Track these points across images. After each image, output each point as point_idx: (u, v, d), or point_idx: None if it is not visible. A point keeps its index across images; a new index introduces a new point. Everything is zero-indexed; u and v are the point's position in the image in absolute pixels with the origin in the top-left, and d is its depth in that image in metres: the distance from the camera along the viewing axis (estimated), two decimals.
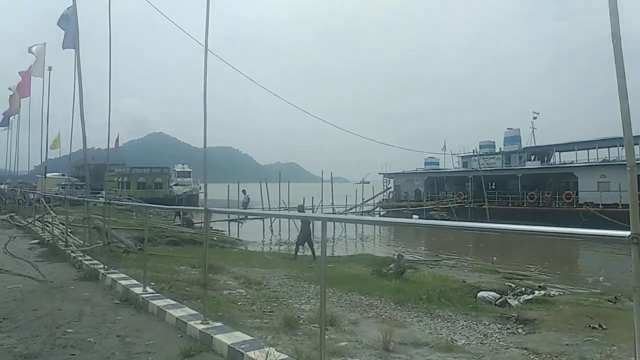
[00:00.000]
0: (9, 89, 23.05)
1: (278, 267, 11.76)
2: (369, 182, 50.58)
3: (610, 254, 19.28)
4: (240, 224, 29.47)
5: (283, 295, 7.56)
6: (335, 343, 4.70)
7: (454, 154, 48.43)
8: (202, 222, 22.72)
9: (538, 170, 39.41)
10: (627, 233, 1.91)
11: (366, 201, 42.83)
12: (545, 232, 2.26)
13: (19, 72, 19.90)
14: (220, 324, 4.95)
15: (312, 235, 16.10)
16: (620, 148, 34.14)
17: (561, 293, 10.65)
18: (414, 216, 38.20)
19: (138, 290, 6.56)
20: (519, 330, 6.23)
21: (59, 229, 13.18)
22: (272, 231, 29.95)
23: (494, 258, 17.39)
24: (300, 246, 15.97)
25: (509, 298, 9.24)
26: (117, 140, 40.00)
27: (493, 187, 41.26)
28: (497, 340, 5.54)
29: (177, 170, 60.26)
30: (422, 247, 22.80)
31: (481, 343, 5.39)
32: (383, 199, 47.95)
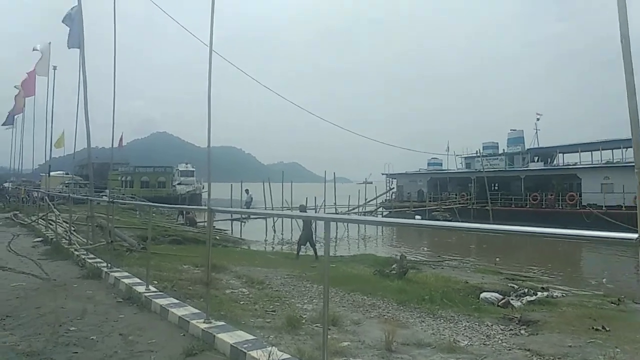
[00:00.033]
0: (15, 87, 23.15)
1: (280, 266, 11.77)
2: (371, 183, 50.54)
3: (613, 256, 19.23)
4: (243, 224, 29.50)
5: (285, 295, 7.57)
6: (338, 343, 4.69)
7: (457, 155, 48.40)
8: (205, 222, 22.76)
9: (541, 171, 39.30)
10: (635, 235, 1.90)
11: (369, 201, 42.81)
12: (552, 234, 2.26)
13: (27, 73, 19.95)
14: (223, 323, 4.95)
15: (313, 235, 16.10)
16: (624, 150, 34.04)
17: (564, 294, 10.61)
18: (417, 217, 38.15)
19: (141, 288, 6.57)
20: (522, 332, 6.21)
21: (62, 227, 13.24)
22: (274, 231, 29.96)
23: (497, 259, 17.36)
24: (302, 246, 15.97)
25: (512, 299, 9.21)
26: (120, 140, 40.06)
27: (496, 188, 41.15)
28: (499, 342, 5.52)
29: (180, 169, 60.40)
30: (425, 248, 22.77)
31: (484, 344, 5.37)
32: (386, 200, 47.93)
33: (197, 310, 5.45)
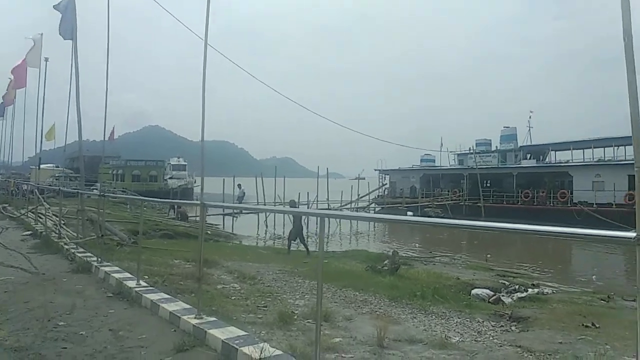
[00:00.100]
0: (9, 78, 22.85)
1: (272, 261, 11.74)
2: (364, 178, 50.61)
3: (602, 254, 19.41)
4: (235, 218, 29.45)
5: (277, 290, 7.54)
6: (330, 339, 4.68)
7: (450, 152, 48.56)
8: (197, 216, 22.68)
9: (533, 168, 39.56)
10: (633, 234, 1.89)
11: (361, 197, 42.88)
12: (549, 232, 2.24)
13: (18, 63, 19.67)
14: (214, 318, 4.92)
15: (303, 231, 16.07)
16: (615, 148, 34.32)
17: (554, 291, 10.70)
18: (409, 213, 38.25)
19: (131, 283, 6.52)
20: (513, 328, 6.25)
21: (52, 220, 13.11)
22: (266, 226, 29.93)
23: (488, 255, 17.44)
24: (292, 241, 15.95)
25: (503, 296, 9.28)
26: (112, 133, 39.74)
27: (488, 185, 41.38)
28: (491, 338, 5.54)
29: (172, 163, 60.15)
30: (417, 244, 22.84)
31: (475, 340, 5.39)
32: (378, 195, 48.03)
33: (188, 306, 5.41)
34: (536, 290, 10.19)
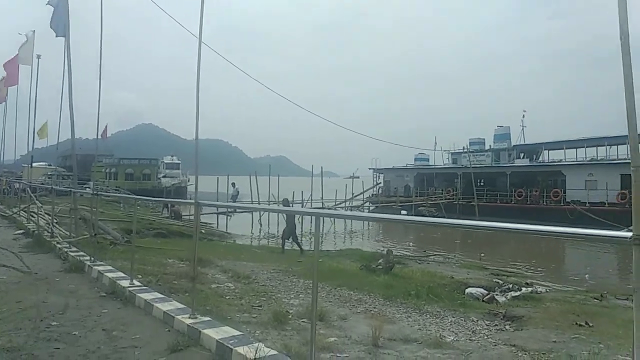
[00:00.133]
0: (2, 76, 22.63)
1: (266, 261, 11.72)
2: (358, 177, 50.64)
3: (595, 252, 19.52)
4: (228, 217, 29.37)
5: (272, 290, 7.53)
6: (325, 338, 4.67)
7: (444, 151, 48.70)
8: (190, 215, 22.60)
9: (527, 168, 39.73)
10: (629, 234, 1.88)
11: (356, 196, 42.90)
12: (546, 231, 2.23)
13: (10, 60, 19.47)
14: (209, 318, 4.90)
15: (297, 230, 16.05)
16: (608, 147, 34.55)
17: (548, 290, 10.75)
18: (403, 212, 38.32)
19: (125, 283, 6.48)
20: (507, 327, 6.26)
21: (44, 219, 13.01)
22: (260, 224, 29.87)
23: (481, 254, 17.50)
24: (286, 240, 15.92)
25: (497, 295, 9.31)
26: (105, 131, 39.50)
27: (482, 184, 41.53)
28: (485, 337, 5.56)
29: (165, 162, 59.92)
30: (411, 243, 22.88)
31: (470, 339, 5.40)
32: (372, 194, 48.08)
33: (182, 305, 5.38)
34: (530, 289, 10.23)
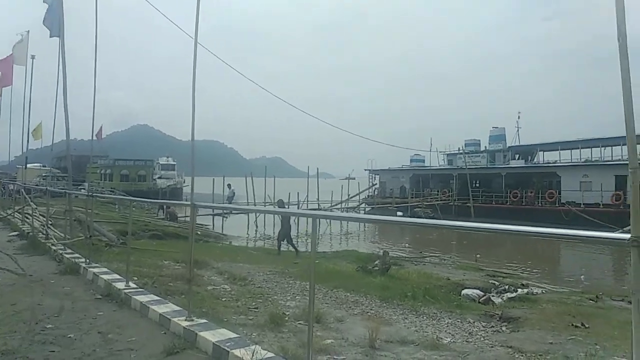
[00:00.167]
0: None
1: (263, 262, 11.69)
2: (354, 178, 50.70)
3: (590, 254, 19.61)
4: (224, 218, 29.33)
5: (268, 292, 7.50)
6: (322, 340, 4.65)
7: (440, 152, 48.80)
8: (186, 216, 22.54)
9: (522, 169, 39.88)
10: (627, 236, 1.88)
11: (351, 197, 42.94)
12: (545, 233, 2.23)
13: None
14: (205, 320, 4.87)
15: (292, 231, 16.02)
16: (602, 149, 34.74)
17: (544, 291, 10.77)
18: (398, 213, 38.38)
19: (120, 285, 6.44)
20: (503, 329, 6.26)
21: (39, 221, 12.94)
22: (256, 226, 29.84)
23: (477, 255, 17.54)
24: (282, 242, 15.89)
25: (493, 296, 9.32)
26: (100, 131, 39.40)
27: (477, 185, 41.66)
28: (482, 339, 5.55)
29: (161, 163, 59.78)
30: (407, 244, 22.91)
31: (466, 341, 5.39)
32: (368, 196, 48.14)
33: (178, 308, 5.35)
34: (525, 290, 10.25)
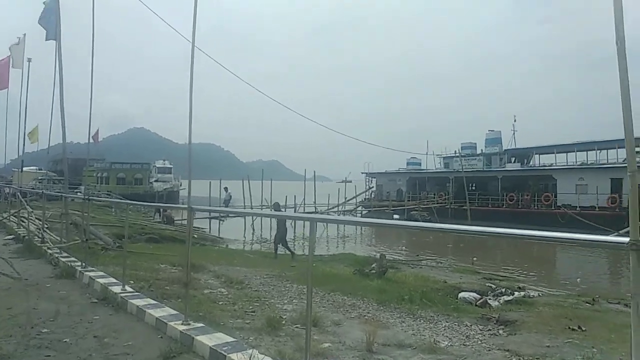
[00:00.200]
0: None
1: (259, 266, 11.68)
2: (351, 181, 50.70)
3: (586, 257, 19.66)
4: (221, 222, 29.27)
5: (265, 295, 7.48)
6: (319, 344, 4.64)
7: (436, 155, 48.91)
8: (183, 219, 22.49)
9: (518, 172, 40.00)
10: (626, 239, 1.88)
11: (348, 200, 42.94)
12: (542, 237, 2.23)
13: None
14: (202, 324, 4.86)
15: (287, 234, 16.01)
16: (598, 152, 34.89)
17: (540, 294, 10.79)
18: (395, 216, 38.44)
19: (117, 288, 6.42)
20: (500, 332, 6.26)
21: (35, 224, 12.88)
22: (253, 229, 29.79)
23: (474, 258, 17.56)
24: (278, 245, 15.88)
25: (489, 299, 9.33)
26: (96, 135, 39.27)
27: (474, 188, 41.73)
28: (479, 342, 5.55)
29: (157, 166, 59.62)
30: (404, 247, 22.92)
31: (464, 344, 5.39)
32: (365, 199, 48.16)
33: (174, 312, 5.34)
34: (522, 293, 10.27)
